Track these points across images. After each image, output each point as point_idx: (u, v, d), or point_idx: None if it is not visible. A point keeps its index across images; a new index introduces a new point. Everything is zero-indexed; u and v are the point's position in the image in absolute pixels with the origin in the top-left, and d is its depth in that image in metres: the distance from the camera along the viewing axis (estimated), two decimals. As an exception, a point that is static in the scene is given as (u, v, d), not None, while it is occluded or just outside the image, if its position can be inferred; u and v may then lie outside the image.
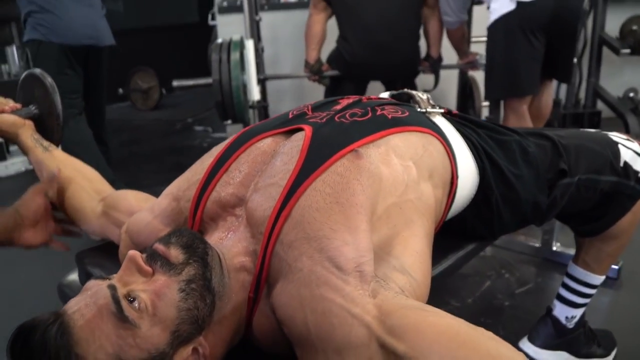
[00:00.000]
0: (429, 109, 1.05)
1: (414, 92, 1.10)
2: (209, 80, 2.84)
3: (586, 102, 3.56)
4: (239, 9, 3.64)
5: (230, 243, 0.81)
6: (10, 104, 1.25)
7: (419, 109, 1.04)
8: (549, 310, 1.40)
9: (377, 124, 0.91)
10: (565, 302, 1.36)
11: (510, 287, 1.87)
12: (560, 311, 1.37)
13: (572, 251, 1.95)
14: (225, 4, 3.81)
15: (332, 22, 2.88)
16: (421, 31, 2.86)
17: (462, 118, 1.12)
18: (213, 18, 4.00)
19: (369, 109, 0.95)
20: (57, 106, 1.27)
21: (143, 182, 3.24)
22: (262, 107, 2.98)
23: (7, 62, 3.80)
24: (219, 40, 2.79)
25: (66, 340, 0.62)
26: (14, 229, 1.04)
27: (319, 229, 0.72)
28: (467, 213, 1.07)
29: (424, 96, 1.08)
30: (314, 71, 2.89)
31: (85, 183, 1.14)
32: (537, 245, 2.07)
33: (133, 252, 0.70)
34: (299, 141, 0.86)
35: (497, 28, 2.18)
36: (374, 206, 0.78)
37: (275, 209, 0.76)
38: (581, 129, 1.26)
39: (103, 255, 1.14)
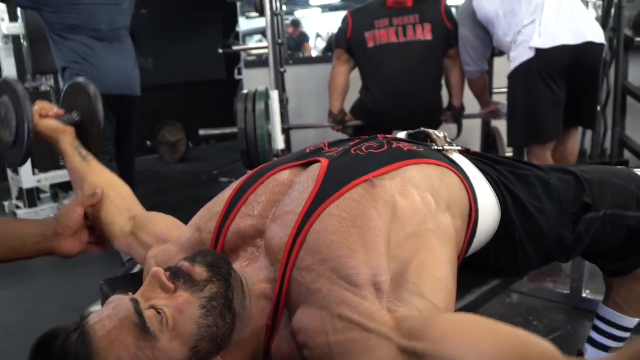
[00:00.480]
0: (446, 147, 1.06)
1: (430, 130, 1.11)
2: (234, 130, 2.90)
3: (612, 151, 3.53)
4: (264, 64, 3.77)
5: (251, 271, 0.82)
6: (54, 109, 1.29)
7: (435, 147, 1.05)
8: (580, 354, 1.35)
9: (393, 156, 0.92)
10: (597, 346, 1.31)
11: (539, 335, 1.79)
12: (593, 356, 1.32)
13: (602, 298, 1.90)
14: (250, 58, 3.93)
15: (355, 74, 2.94)
16: (443, 81, 2.91)
17: (480, 155, 1.12)
18: (239, 73, 4.13)
19: (384, 142, 0.97)
20: (99, 114, 1.30)
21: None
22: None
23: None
24: (245, 91, 2.87)
25: (86, 349, 0.63)
26: (54, 238, 1.08)
27: (336, 250, 0.73)
28: (490, 248, 1.06)
29: (441, 134, 1.09)
30: (337, 121, 2.93)
31: (118, 200, 1.17)
32: (566, 292, 2.01)
33: (156, 269, 0.72)
34: (315, 171, 0.88)
35: (517, 75, 2.21)
36: (390, 233, 0.78)
37: (291, 236, 0.78)
38: (604, 166, 1.25)
39: (127, 285, 1.15)
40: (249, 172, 0.96)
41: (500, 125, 3.44)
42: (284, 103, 3.11)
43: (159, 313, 0.68)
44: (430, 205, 0.86)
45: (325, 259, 0.73)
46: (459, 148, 1.08)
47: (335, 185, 0.82)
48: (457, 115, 2.97)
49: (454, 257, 0.87)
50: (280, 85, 3.03)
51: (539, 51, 2.10)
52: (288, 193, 0.87)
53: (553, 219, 1.05)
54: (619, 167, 1.23)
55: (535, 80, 2.14)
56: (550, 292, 2.06)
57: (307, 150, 0.99)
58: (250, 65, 3.91)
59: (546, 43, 2.10)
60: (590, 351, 1.33)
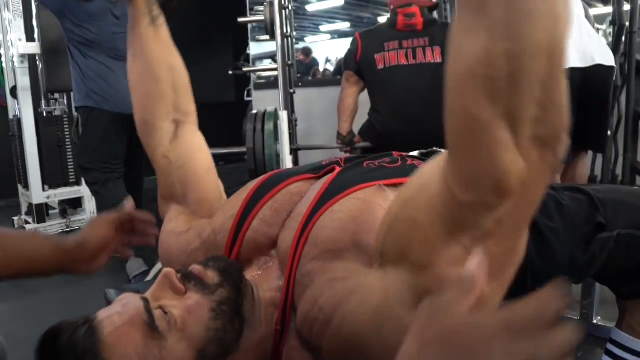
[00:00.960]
0: None
1: (443, 150, 1.10)
2: (242, 149, 2.91)
3: (624, 178, 3.49)
4: (273, 85, 3.79)
5: (262, 280, 0.82)
6: None
7: None
8: (593, 380, 1.31)
9: (406, 171, 0.90)
10: (610, 371, 1.27)
11: (550, 363, 1.75)
12: (605, 381, 1.28)
13: (613, 324, 1.86)
14: (260, 81, 3.96)
15: (364, 96, 2.95)
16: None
17: None
18: (249, 95, 4.16)
19: (399, 158, 0.96)
20: None
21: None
22: (294, 176, 3.01)
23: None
24: (254, 111, 2.88)
25: (94, 344, 0.63)
26: (72, 263, 1.00)
27: (332, 244, 0.73)
28: None
29: None
30: (346, 142, 2.94)
31: (169, 92, 1.04)
32: (576, 317, 1.97)
33: (168, 270, 0.72)
34: (325, 179, 0.87)
35: None
36: None
37: (295, 238, 0.78)
38: (619, 185, 1.23)
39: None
40: (263, 176, 0.95)
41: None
42: (292, 124, 3.13)
43: (166, 313, 0.67)
44: None
45: (321, 252, 0.73)
46: None
47: (340, 188, 0.81)
48: None
49: None
50: (290, 106, 3.04)
51: None
52: (300, 202, 0.87)
53: (565, 238, 1.03)
54: (635, 187, 1.21)
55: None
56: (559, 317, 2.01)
57: (324, 162, 0.98)
58: (260, 87, 3.95)
59: None
60: (603, 377, 1.29)
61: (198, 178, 0.99)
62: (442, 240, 0.61)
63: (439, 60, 2.73)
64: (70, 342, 0.63)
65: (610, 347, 1.27)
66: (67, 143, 3.68)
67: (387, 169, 0.89)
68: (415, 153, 1.14)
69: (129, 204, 0.92)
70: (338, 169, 0.89)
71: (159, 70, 1.03)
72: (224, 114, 6.38)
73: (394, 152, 1.03)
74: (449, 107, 0.59)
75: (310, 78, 4.54)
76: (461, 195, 0.58)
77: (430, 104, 2.80)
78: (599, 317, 1.93)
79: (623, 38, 3.06)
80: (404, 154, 1.06)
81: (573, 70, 2.07)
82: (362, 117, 2.99)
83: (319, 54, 5.83)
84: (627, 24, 2.77)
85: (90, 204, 3.80)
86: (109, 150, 2.71)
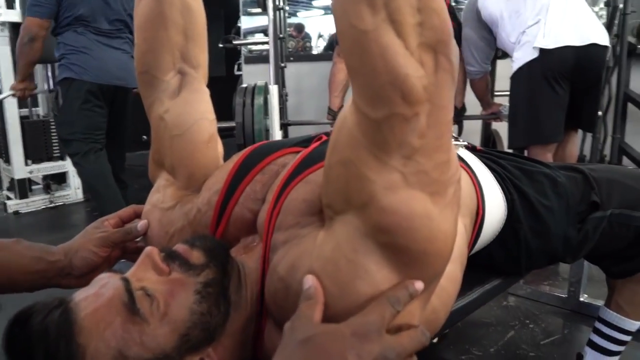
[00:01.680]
0: (453, 142, 1.02)
1: None
2: (231, 124, 2.87)
3: (611, 158, 3.50)
4: (264, 59, 3.74)
5: (249, 257, 0.78)
6: None
7: None
8: (580, 357, 1.32)
9: None
10: (597, 349, 1.28)
11: (535, 338, 1.77)
12: (593, 359, 1.29)
13: (600, 302, 1.87)
14: (250, 54, 3.90)
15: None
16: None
17: (486, 152, 1.09)
18: (239, 69, 4.10)
19: None
20: None
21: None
22: (284, 152, 2.99)
23: (38, 105, 3.90)
24: (244, 85, 2.84)
25: (69, 327, 0.58)
26: (58, 277, 0.87)
27: (307, 213, 0.69)
28: (494, 247, 1.02)
29: None
30: (335, 118, 2.90)
31: (178, 38, 0.91)
32: (564, 296, 1.98)
33: (150, 248, 0.68)
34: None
35: (520, 75, 2.19)
36: None
37: (269, 210, 0.74)
38: (613, 165, 1.22)
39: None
40: (249, 148, 0.89)
41: (500, 128, 3.41)
42: (283, 98, 3.08)
43: (148, 295, 0.63)
44: None
45: (293, 223, 0.69)
46: (465, 143, 1.05)
47: (319, 157, 0.74)
48: (459, 115, 2.94)
49: (462, 254, 0.84)
50: (280, 81, 3.00)
51: (543, 51, 2.08)
52: (280, 174, 0.82)
53: (560, 217, 1.02)
54: (631, 168, 1.20)
55: (538, 81, 2.11)
56: (547, 295, 2.03)
57: (313, 135, 0.94)
58: (250, 60, 3.89)
59: (550, 43, 2.08)
60: (590, 354, 1.30)
61: (194, 150, 0.89)
62: (373, 169, 0.58)
63: None
64: (42, 325, 0.58)
65: (598, 325, 1.28)
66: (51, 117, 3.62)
67: None
68: None
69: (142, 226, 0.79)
70: (318, 142, 0.85)
71: (169, 12, 0.89)
72: (214, 88, 6.18)
73: None
74: (338, 31, 0.59)
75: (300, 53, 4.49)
76: (373, 113, 0.56)
77: None
78: (586, 295, 1.94)
79: (616, 20, 3.06)
80: None
81: (568, 48, 2.06)
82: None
83: (311, 30, 5.74)
84: (621, 5, 2.75)
85: (74, 179, 3.74)
86: (89, 120, 2.67)
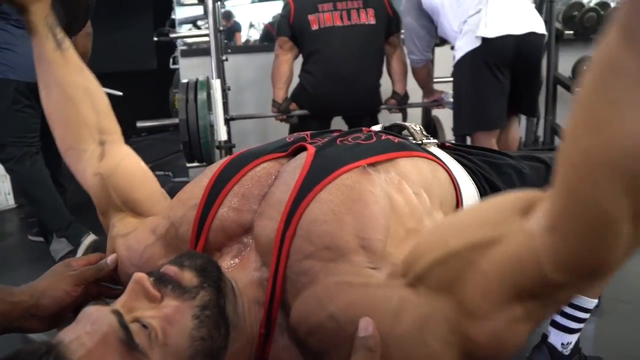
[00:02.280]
0: (425, 140, 1.03)
1: (407, 124, 1.08)
2: (174, 121, 2.78)
3: (545, 139, 3.68)
4: (201, 52, 3.64)
5: (241, 273, 0.75)
6: None
7: (414, 141, 1.01)
8: (545, 337, 1.38)
9: (384, 147, 0.86)
10: (560, 328, 1.34)
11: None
12: (556, 338, 1.35)
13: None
14: (187, 47, 3.79)
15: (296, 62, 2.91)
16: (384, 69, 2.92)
17: (454, 148, 1.11)
18: (174, 62, 3.97)
19: (372, 134, 0.91)
20: None
21: (104, 228, 3.10)
22: (229, 147, 2.94)
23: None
24: (185, 80, 2.76)
25: None
26: (22, 319, 0.80)
27: (329, 241, 0.68)
28: None
29: (417, 127, 1.06)
30: (281, 110, 2.88)
31: (90, 115, 0.98)
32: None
33: (140, 275, 0.63)
34: (301, 159, 0.81)
35: (464, 64, 2.24)
36: (390, 226, 0.72)
37: (280, 230, 0.71)
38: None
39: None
40: (224, 160, 0.87)
41: (440, 114, 3.50)
42: (225, 93, 3.02)
43: (145, 327, 0.59)
44: (426, 204, 0.81)
45: (318, 249, 0.68)
46: (436, 141, 1.06)
47: (324, 171, 0.75)
48: (401, 102, 2.98)
49: None
50: (222, 74, 2.93)
51: (485, 40, 2.14)
52: (275, 184, 0.80)
53: None
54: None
55: (481, 69, 2.17)
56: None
57: (289, 139, 0.92)
58: (188, 54, 3.77)
59: (492, 32, 2.13)
60: (553, 333, 1.35)
61: (134, 179, 0.95)
62: (506, 300, 0.57)
63: (372, 22, 2.71)
64: None
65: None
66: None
67: (363, 146, 0.85)
68: (378, 127, 1.11)
69: (111, 262, 0.74)
70: (311, 148, 0.83)
71: (75, 95, 0.98)
72: (146, 82, 6.05)
73: (363, 128, 1.00)
74: (571, 186, 0.51)
75: (233, 44, 4.39)
76: (553, 274, 0.54)
77: (363, 65, 2.80)
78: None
79: (544, 7, 3.20)
80: (372, 129, 1.03)
81: (509, 36, 2.12)
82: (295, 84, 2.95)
83: (240, 19, 5.65)
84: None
85: (4, 185, 3.52)
86: (21, 122, 2.49)
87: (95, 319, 0.58)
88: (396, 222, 0.73)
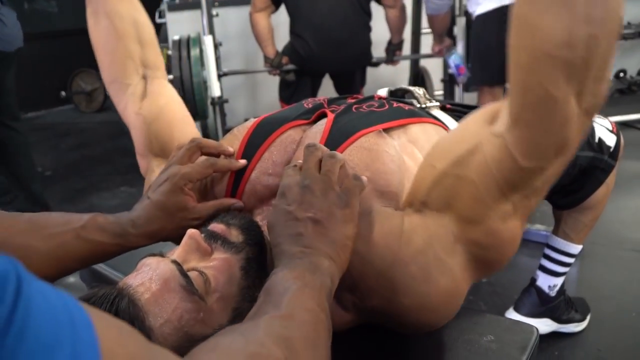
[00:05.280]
0: (428, 104, 1.08)
1: (410, 87, 1.13)
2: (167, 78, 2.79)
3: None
4: (189, 6, 3.60)
5: None
6: None
7: (418, 105, 1.07)
8: (533, 281, 1.49)
9: (396, 113, 0.92)
10: (547, 272, 1.45)
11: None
12: (543, 281, 1.46)
13: (540, 228, 2.07)
14: (175, 1, 3.73)
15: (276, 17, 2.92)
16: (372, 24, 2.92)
17: (456, 110, 1.16)
18: (161, 16, 3.92)
19: (384, 101, 0.97)
20: None
21: (101, 185, 3.16)
22: (221, 102, 2.97)
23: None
24: (176, 37, 2.75)
25: (138, 313, 0.60)
26: (121, 243, 0.78)
27: None
28: None
29: (421, 91, 1.11)
30: (274, 65, 2.90)
31: (134, 47, 1.00)
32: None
33: (193, 231, 0.70)
34: (321, 125, 0.87)
35: (491, 18, 2.28)
36: (403, 180, 0.79)
37: None
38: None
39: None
40: (249, 125, 0.91)
41: (428, 64, 3.54)
42: (217, 48, 3.02)
43: (201, 274, 0.66)
44: None
45: None
46: (438, 104, 1.11)
47: (342, 135, 0.82)
48: (396, 49, 3.02)
49: None
50: (213, 30, 2.93)
51: None
52: (299, 150, 0.86)
53: None
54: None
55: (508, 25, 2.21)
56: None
57: (308, 106, 0.97)
58: (175, 8, 3.71)
59: None
60: (541, 277, 1.46)
61: (174, 127, 0.98)
62: (494, 199, 0.68)
63: None
64: (115, 314, 0.58)
65: (547, 251, 1.44)
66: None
67: (377, 113, 0.91)
68: (383, 91, 1.16)
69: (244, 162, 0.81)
70: (331, 115, 0.89)
71: (123, 26, 1.00)
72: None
73: (374, 95, 1.05)
74: (521, 82, 0.64)
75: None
76: (524, 162, 0.64)
77: (353, 28, 2.82)
78: (529, 223, 2.13)
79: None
80: (382, 96, 1.08)
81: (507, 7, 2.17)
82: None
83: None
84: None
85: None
86: None
87: (156, 267, 0.65)
88: (407, 182, 0.80)
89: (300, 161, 0.73)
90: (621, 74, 4.17)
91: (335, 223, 0.66)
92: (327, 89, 3.18)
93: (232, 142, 0.90)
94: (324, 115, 0.91)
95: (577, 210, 1.34)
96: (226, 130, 3.12)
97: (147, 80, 1.01)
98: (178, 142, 0.93)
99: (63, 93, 5.32)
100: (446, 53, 2.85)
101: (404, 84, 3.72)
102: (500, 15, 2.22)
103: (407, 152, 0.85)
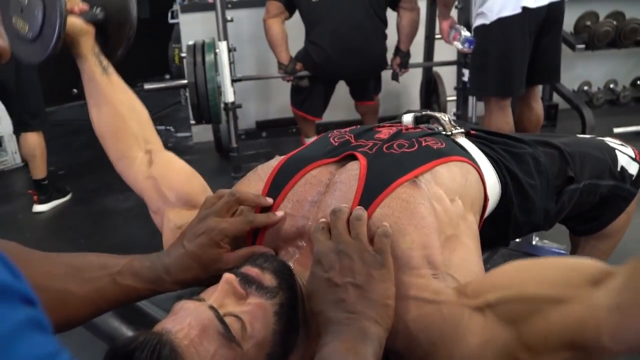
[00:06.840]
0: (454, 131, 1.09)
1: (437, 114, 1.13)
2: (181, 82, 2.80)
3: (544, 95, 3.73)
4: (201, 7, 3.60)
5: (300, 273, 0.82)
6: (79, 4, 1.08)
7: (444, 132, 1.08)
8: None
9: (425, 155, 0.93)
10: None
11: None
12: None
13: (549, 245, 2.07)
14: (188, 2, 3.73)
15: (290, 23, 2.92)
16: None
17: (479, 136, 1.16)
18: (173, 16, 3.92)
19: (414, 140, 0.97)
20: (130, 13, 1.10)
21: (114, 186, 3.16)
22: (234, 107, 2.98)
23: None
24: (191, 42, 2.75)
25: (176, 358, 0.61)
26: (154, 288, 0.80)
27: (394, 249, 0.76)
28: (485, 225, 1.09)
29: (446, 117, 1.11)
30: (288, 71, 2.90)
31: (136, 127, 1.09)
32: (517, 240, 2.16)
33: (229, 275, 0.71)
34: (355, 170, 0.87)
35: (498, 26, 2.28)
36: (439, 231, 0.80)
37: None
38: (579, 136, 1.34)
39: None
40: (275, 164, 0.93)
41: (441, 70, 3.53)
42: (231, 53, 3.02)
43: (238, 319, 0.67)
44: (460, 209, 0.89)
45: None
46: (463, 130, 1.11)
47: (380, 184, 0.82)
48: (404, 59, 3.02)
49: (480, 250, 0.92)
50: (227, 35, 2.93)
51: (526, 9, 2.20)
52: (328, 193, 0.86)
53: (542, 193, 1.12)
54: (594, 138, 1.32)
55: (515, 35, 2.25)
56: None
57: (335, 143, 0.97)
58: (188, 9, 3.71)
59: (534, 3, 2.21)
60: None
61: (182, 177, 1.04)
62: (561, 348, 0.67)
63: None
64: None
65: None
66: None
67: (408, 155, 0.92)
68: (409, 117, 1.15)
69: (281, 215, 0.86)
70: (362, 158, 0.89)
71: (123, 111, 1.09)
72: (140, 33, 5.92)
73: (402, 128, 1.05)
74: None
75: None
76: (609, 344, 0.64)
77: (369, 35, 2.81)
78: (537, 238, 2.11)
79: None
80: (410, 128, 1.08)
81: (544, 6, 2.21)
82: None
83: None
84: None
85: (11, 144, 3.55)
86: None
87: (193, 312, 0.66)
88: (440, 232, 0.81)
89: (324, 220, 0.76)
90: (638, 82, 4.13)
91: (375, 284, 0.67)
92: (339, 94, 3.18)
93: (257, 183, 0.92)
94: (352, 156, 0.92)
95: (595, 237, 1.34)
96: (238, 135, 3.13)
97: (152, 153, 1.08)
98: (190, 187, 1.01)
99: (75, 90, 5.33)
100: (450, 31, 2.67)
101: (416, 89, 3.75)
102: (508, 24, 2.24)
103: (436, 198, 0.85)
